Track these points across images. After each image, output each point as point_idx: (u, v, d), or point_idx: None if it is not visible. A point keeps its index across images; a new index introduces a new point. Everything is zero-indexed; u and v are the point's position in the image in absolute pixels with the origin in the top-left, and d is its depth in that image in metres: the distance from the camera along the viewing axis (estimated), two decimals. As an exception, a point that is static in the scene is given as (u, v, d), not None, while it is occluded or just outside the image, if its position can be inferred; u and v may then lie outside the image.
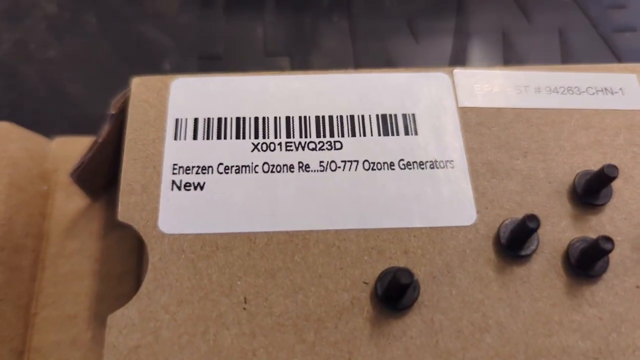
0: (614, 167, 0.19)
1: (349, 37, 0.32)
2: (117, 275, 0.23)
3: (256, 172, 0.20)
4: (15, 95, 0.30)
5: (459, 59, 0.32)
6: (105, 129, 0.21)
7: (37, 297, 0.22)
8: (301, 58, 0.31)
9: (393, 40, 0.33)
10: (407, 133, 0.20)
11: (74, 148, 0.25)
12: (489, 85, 0.22)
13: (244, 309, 0.18)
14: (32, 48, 0.32)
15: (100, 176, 0.23)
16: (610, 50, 0.33)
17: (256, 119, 0.20)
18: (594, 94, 0.22)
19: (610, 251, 0.18)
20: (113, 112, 0.21)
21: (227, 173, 0.20)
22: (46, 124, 0.28)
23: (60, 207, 0.24)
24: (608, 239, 0.18)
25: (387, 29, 0.33)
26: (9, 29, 0.32)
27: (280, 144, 0.20)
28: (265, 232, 0.19)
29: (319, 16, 0.33)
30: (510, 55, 0.32)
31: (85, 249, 0.23)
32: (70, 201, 0.24)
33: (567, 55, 0.33)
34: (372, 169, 0.20)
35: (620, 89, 0.22)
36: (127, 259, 0.23)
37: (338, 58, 0.31)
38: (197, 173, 0.20)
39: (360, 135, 0.20)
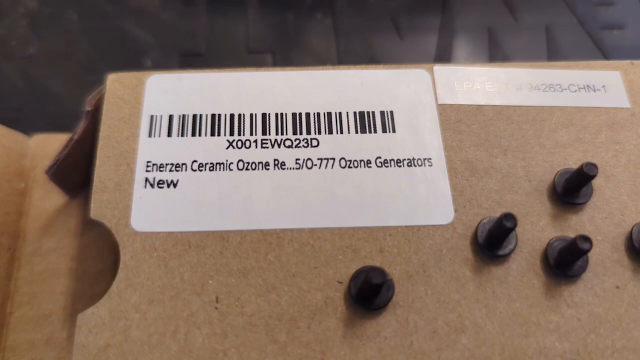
0: (593, 166, 0.18)
1: (332, 34, 0.32)
2: (93, 274, 0.23)
3: (231, 170, 0.19)
4: None
5: (443, 57, 0.32)
6: (81, 125, 0.21)
7: (12, 296, 0.22)
8: (284, 55, 0.31)
9: (377, 37, 0.33)
10: (384, 130, 0.20)
11: (52, 145, 0.25)
12: (469, 82, 0.21)
13: (216, 308, 0.18)
14: (13, 45, 0.32)
15: (77, 173, 0.23)
16: (597, 47, 0.33)
17: (232, 115, 0.20)
18: (576, 91, 0.22)
19: (588, 251, 0.17)
20: (88, 108, 0.21)
21: (201, 170, 0.19)
22: (27, 121, 0.27)
23: (37, 205, 0.24)
24: (586, 239, 0.17)
25: (371, 26, 0.33)
26: (-11, 25, 0.32)
27: (255, 141, 0.20)
28: (239, 231, 0.19)
29: (302, 13, 0.33)
30: (496, 53, 0.32)
31: (61, 247, 0.23)
32: (48, 199, 0.24)
33: (554, 52, 0.32)
34: (349, 167, 0.20)
35: (603, 86, 0.22)
36: (104, 257, 0.23)
37: (321, 55, 0.31)
38: (170, 170, 0.19)
39: (337, 133, 0.20)
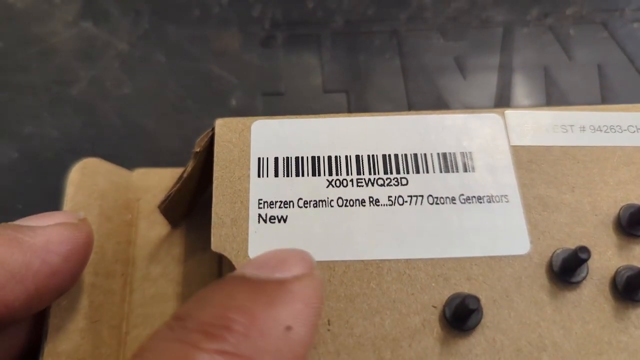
0: (656, 203, 0.21)
1: (400, 73, 0.35)
2: (199, 297, 0.25)
3: (332, 206, 0.22)
4: (95, 130, 0.33)
5: (504, 95, 0.35)
6: (190, 164, 0.24)
7: (127, 317, 0.25)
8: (357, 94, 0.33)
9: (442, 76, 0.35)
10: (465, 170, 0.23)
11: (152, 179, 0.28)
12: (537, 124, 0.24)
13: (328, 330, 0.20)
14: (108, 85, 0.35)
15: (182, 207, 0.26)
16: None
17: (329, 157, 0.23)
18: (634, 132, 0.24)
19: (654, 280, 0.20)
20: (197, 149, 0.24)
21: (306, 207, 0.22)
22: (124, 157, 0.30)
23: (144, 235, 0.27)
24: (652, 269, 0.20)
25: (436, 66, 0.35)
26: (85, 67, 0.35)
27: (352, 180, 0.22)
28: (343, 261, 0.21)
29: (372, 54, 0.36)
30: (552, 90, 0.35)
31: (168, 272, 0.26)
32: (153, 228, 0.27)
33: (606, 89, 0.35)
34: (436, 203, 0.22)
35: (659, 127, 0.24)
36: (207, 281, 0.25)
37: (391, 94, 0.33)
38: (280, 207, 0.22)
39: (423, 172, 0.23)
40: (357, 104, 0.33)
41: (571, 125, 0.24)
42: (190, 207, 0.26)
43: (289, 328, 0.17)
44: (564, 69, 0.36)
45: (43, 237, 0.20)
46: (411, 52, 0.36)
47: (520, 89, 0.35)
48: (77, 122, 0.34)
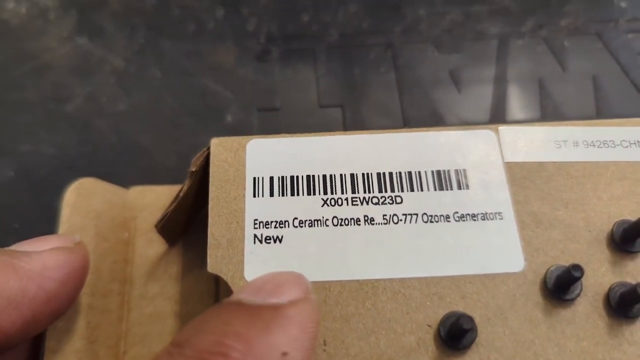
0: (650, 219, 0.21)
1: (395, 87, 0.35)
2: (196, 316, 0.25)
3: (327, 226, 0.22)
4: (91, 147, 0.33)
5: (499, 107, 0.35)
6: (186, 184, 0.24)
7: (125, 336, 0.25)
8: (352, 109, 0.34)
9: (437, 90, 0.35)
10: (459, 187, 0.23)
11: (149, 197, 0.28)
12: (530, 140, 0.24)
13: (324, 350, 0.20)
14: (103, 101, 0.35)
15: (179, 225, 0.26)
16: None
17: (324, 176, 0.23)
18: (627, 147, 0.24)
19: (648, 297, 0.20)
20: (193, 169, 0.24)
21: (301, 227, 0.22)
22: (121, 174, 0.30)
23: (141, 253, 0.27)
24: (646, 286, 0.20)
25: (431, 79, 0.36)
26: (81, 83, 0.35)
27: (347, 199, 0.23)
28: (339, 281, 0.21)
29: (367, 68, 0.36)
30: (546, 102, 0.35)
31: (165, 291, 0.26)
32: (149, 247, 0.27)
33: (601, 100, 0.35)
34: (431, 222, 0.22)
35: (652, 141, 0.24)
36: (204, 299, 0.26)
37: (387, 108, 0.33)
38: (275, 227, 0.22)
39: (418, 190, 0.23)
40: (353, 119, 0.33)
41: (564, 141, 0.24)
42: (187, 225, 0.26)
43: (285, 354, 0.17)
44: (558, 81, 0.36)
45: (39, 262, 0.20)
46: (406, 65, 0.36)
47: (515, 101, 0.35)
48: (73, 139, 0.34)
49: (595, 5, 0.39)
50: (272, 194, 0.23)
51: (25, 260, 0.20)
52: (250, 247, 0.22)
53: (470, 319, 0.19)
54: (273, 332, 0.17)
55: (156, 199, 0.28)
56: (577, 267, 0.20)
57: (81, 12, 0.38)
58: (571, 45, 0.38)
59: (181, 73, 0.36)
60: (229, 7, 0.38)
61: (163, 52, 0.37)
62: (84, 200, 0.25)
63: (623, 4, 0.39)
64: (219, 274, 0.21)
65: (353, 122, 0.34)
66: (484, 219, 0.22)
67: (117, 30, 0.37)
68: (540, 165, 0.24)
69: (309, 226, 0.22)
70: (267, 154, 0.24)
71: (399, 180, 0.23)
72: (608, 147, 0.24)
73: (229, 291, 0.21)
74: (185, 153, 0.32)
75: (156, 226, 0.25)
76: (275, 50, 0.37)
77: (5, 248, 0.21)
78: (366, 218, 0.22)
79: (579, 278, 0.20)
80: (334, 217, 0.22)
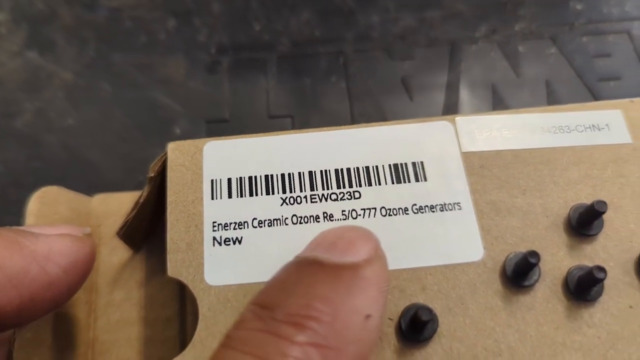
0: (603, 203, 0.21)
1: (346, 97, 0.35)
2: (162, 321, 0.25)
3: (286, 224, 0.22)
4: (39, 163, 0.33)
5: (451, 113, 0.35)
6: (146, 189, 0.24)
7: (93, 344, 0.25)
8: (302, 119, 0.34)
9: (388, 98, 0.35)
10: (417, 180, 0.23)
11: (112, 204, 0.28)
12: (488, 130, 0.24)
13: None
14: (52, 116, 0.35)
15: (141, 231, 0.26)
16: (595, 99, 0.36)
17: (282, 175, 0.23)
18: (583, 131, 0.24)
19: (603, 279, 0.20)
20: (152, 174, 0.24)
21: (261, 227, 0.22)
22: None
23: (106, 261, 0.27)
24: (601, 269, 0.20)
25: (383, 88, 0.36)
26: (30, 98, 0.35)
27: (305, 197, 0.23)
28: None
29: (318, 77, 0.36)
30: (500, 107, 0.35)
31: (131, 297, 0.26)
32: (114, 254, 0.27)
33: (554, 104, 0.35)
34: (389, 215, 0.22)
35: (607, 124, 0.24)
36: (170, 304, 0.26)
37: (337, 117, 0.33)
38: (234, 229, 0.22)
39: (375, 185, 0.23)
40: (302, 129, 0.33)
41: (521, 128, 0.24)
42: (150, 231, 0.26)
43: (368, 317, 0.17)
44: (511, 86, 0.36)
45: (45, 244, 0.20)
46: (357, 74, 0.36)
47: (467, 107, 0.35)
48: (21, 155, 0.33)
49: (550, 9, 0.39)
50: (230, 196, 0.23)
51: (32, 240, 0.19)
52: (209, 250, 0.22)
53: (428, 310, 0.19)
54: (355, 294, 0.17)
55: (119, 206, 0.27)
56: (533, 254, 0.20)
57: (32, 26, 0.38)
58: (525, 50, 0.37)
59: (131, 86, 0.36)
60: (181, 18, 0.38)
61: (113, 65, 0.36)
62: (47, 208, 0.25)
63: (578, 7, 0.39)
64: (179, 278, 0.21)
65: (303, 133, 0.34)
66: (442, 210, 0.22)
67: (67, 43, 0.37)
68: (498, 153, 0.24)
69: (269, 226, 0.22)
70: (225, 156, 0.24)
71: (356, 175, 0.23)
72: (564, 132, 0.24)
73: (193, 295, 0.21)
74: (134, 168, 0.32)
75: (118, 233, 0.25)
76: (226, 61, 0.37)
77: (14, 227, 0.20)
78: (325, 215, 0.22)
79: (535, 264, 0.20)
80: (293, 215, 0.22)
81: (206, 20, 0.38)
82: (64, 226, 0.22)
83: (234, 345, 0.17)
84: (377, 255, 0.19)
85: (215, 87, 0.36)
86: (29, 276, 0.19)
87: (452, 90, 0.35)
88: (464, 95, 0.35)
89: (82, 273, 0.21)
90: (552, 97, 0.35)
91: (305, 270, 0.18)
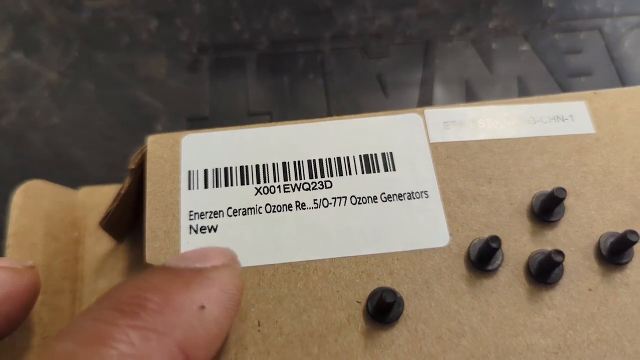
0: (562, 190, 0.22)
1: (323, 93, 0.36)
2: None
3: (260, 213, 0.23)
4: (24, 161, 0.34)
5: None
6: (127, 181, 0.25)
7: (77, 331, 0.26)
8: (280, 116, 0.34)
9: (364, 94, 0.36)
10: (386, 169, 0.24)
11: (97, 197, 0.29)
12: (455, 121, 0.25)
13: (259, 331, 0.21)
14: (37, 115, 0.36)
15: (124, 222, 0.27)
16: None
17: (257, 166, 0.24)
18: (547, 122, 0.25)
19: (561, 262, 0.21)
20: (132, 166, 0.25)
21: (235, 216, 0.23)
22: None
23: (90, 251, 0.28)
24: (559, 252, 0.21)
25: (358, 85, 0.36)
26: (15, 98, 0.36)
27: (279, 186, 0.24)
28: (272, 265, 0.22)
29: (296, 75, 0.37)
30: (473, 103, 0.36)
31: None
32: (99, 245, 0.28)
33: (523, 99, 0.36)
34: (359, 203, 0.23)
35: (571, 115, 0.25)
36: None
37: (314, 114, 0.33)
38: (210, 217, 0.23)
39: (346, 175, 0.24)
40: (279, 122, 0.34)
41: (487, 120, 0.25)
42: (132, 221, 0.27)
43: (202, 307, 0.18)
44: (484, 83, 0.37)
45: None
46: (334, 71, 0.37)
47: (441, 103, 0.36)
48: (6, 153, 0.34)
49: (523, 7, 0.40)
50: (206, 186, 0.24)
51: None
52: (186, 238, 0.23)
53: (393, 293, 0.20)
54: (192, 288, 0.18)
55: (104, 198, 0.28)
56: (495, 238, 0.21)
57: (18, 27, 0.39)
58: (498, 47, 0.38)
59: (114, 85, 0.37)
60: (163, 18, 0.39)
61: (97, 64, 0.37)
62: (32, 201, 0.26)
63: (551, 4, 0.40)
64: (157, 265, 0.22)
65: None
66: (410, 198, 0.23)
67: (52, 44, 0.38)
68: (465, 144, 0.25)
69: (243, 214, 0.23)
70: (201, 148, 0.24)
71: (328, 166, 0.24)
72: (529, 123, 0.25)
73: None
74: (117, 164, 0.33)
75: (100, 223, 0.26)
76: (207, 60, 0.38)
77: None
78: (297, 203, 0.23)
79: (497, 248, 0.21)
80: (267, 204, 0.23)
81: (187, 20, 0.39)
82: (4, 259, 0.22)
83: (59, 337, 0.17)
84: (229, 265, 0.20)
85: (196, 85, 0.37)
86: None
87: (426, 86, 0.36)
88: (438, 91, 0.36)
89: (20, 304, 0.21)
90: (524, 93, 0.36)
91: (147, 271, 0.19)
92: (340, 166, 0.24)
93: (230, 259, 0.20)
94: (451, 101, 0.36)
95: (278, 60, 0.37)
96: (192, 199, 0.23)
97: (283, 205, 0.23)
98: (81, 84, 0.36)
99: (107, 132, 0.35)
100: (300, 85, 0.36)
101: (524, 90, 0.36)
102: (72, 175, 0.28)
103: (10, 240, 0.25)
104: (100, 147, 0.34)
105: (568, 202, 0.23)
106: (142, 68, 0.37)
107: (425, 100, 0.35)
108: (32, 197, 0.26)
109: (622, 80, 0.37)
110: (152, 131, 0.33)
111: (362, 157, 0.24)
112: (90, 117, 0.35)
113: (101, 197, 0.29)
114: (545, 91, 0.36)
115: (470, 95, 0.36)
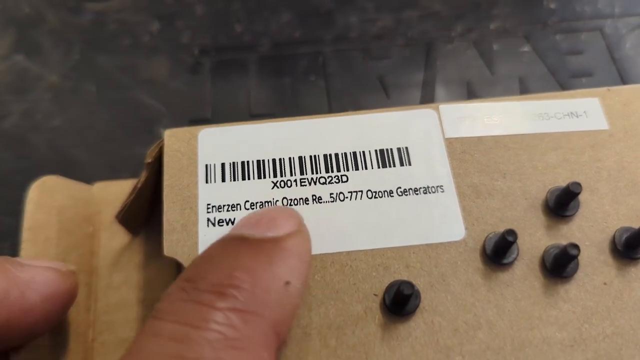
0: (577, 184, 0.22)
1: (325, 95, 0.36)
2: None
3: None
4: (26, 163, 0.34)
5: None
6: (143, 175, 0.25)
7: (93, 325, 0.26)
8: (282, 116, 0.34)
9: (365, 96, 0.36)
10: (402, 164, 0.24)
11: (112, 191, 0.29)
12: (470, 116, 0.25)
13: None
14: (39, 118, 0.36)
15: (140, 216, 0.27)
16: None
17: (274, 160, 0.24)
18: (561, 118, 0.25)
19: (576, 256, 0.21)
20: (149, 160, 0.25)
21: (252, 209, 0.23)
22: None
23: (106, 245, 0.28)
24: (575, 246, 0.21)
25: (360, 86, 0.36)
26: (17, 101, 0.36)
27: (295, 180, 0.24)
28: None
29: (297, 77, 0.37)
30: (475, 104, 0.36)
31: (130, 280, 0.27)
32: (114, 239, 0.28)
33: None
34: (375, 197, 0.23)
35: (585, 112, 0.26)
36: (168, 285, 0.26)
37: (315, 115, 0.34)
38: (227, 210, 0.23)
39: (362, 169, 0.24)
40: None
41: (502, 116, 0.25)
42: (148, 215, 0.27)
43: (287, 283, 0.19)
44: (486, 84, 0.37)
45: (29, 273, 0.21)
46: (336, 73, 0.37)
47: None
48: (8, 155, 0.34)
49: (524, 8, 0.40)
50: (224, 180, 0.24)
51: (17, 267, 0.21)
52: (204, 230, 0.23)
53: (410, 285, 0.20)
54: (276, 264, 0.19)
55: (119, 192, 0.28)
56: (511, 232, 0.21)
57: (19, 30, 0.39)
58: (499, 48, 0.38)
59: (116, 87, 0.36)
60: (165, 21, 0.39)
61: (98, 67, 0.37)
62: (46, 197, 0.26)
63: (552, 5, 0.40)
64: (175, 257, 0.22)
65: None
66: (425, 193, 0.24)
67: (54, 46, 0.38)
68: (479, 139, 0.25)
69: (260, 208, 0.23)
70: (218, 142, 0.25)
71: (344, 160, 0.24)
72: (543, 119, 0.25)
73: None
74: (118, 166, 0.33)
75: (117, 217, 0.26)
76: (208, 62, 0.38)
77: (6, 256, 0.21)
78: (314, 197, 0.23)
79: (513, 242, 0.21)
80: (284, 197, 0.23)
81: (189, 22, 0.39)
82: (50, 261, 0.23)
83: (160, 316, 0.18)
84: (299, 230, 0.21)
85: (197, 87, 0.37)
86: (8, 298, 0.20)
87: (428, 88, 0.36)
88: (440, 92, 0.36)
89: (60, 305, 0.22)
90: (525, 94, 0.36)
91: (229, 245, 0.20)
92: (356, 161, 0.24)
93: (298, 222, 0.21)
94: (452, 101, 0.36)
95: (279, 62, 0.37)
96: (210, 193, 0.23)
97: (300, 199, 0.23)
98: (83, 86, 0.36)
99: (109, 134, 0.35)
100: (301, 86, 0.36)
101: (525, 91, 0.36)
102: (74, 177, 0.28)
103: (25, 235, 0.25)
104: (102, 149, 0.34)
105: (582, 197, 0.23)
106: (144, 70, 0.37)
107: (427, 102, 0.35)
108: (47, 192, 0.26)
109: (623, 81, 0.37)
110: (154, 133, 0.34)
111: (378, 152, 0.24)
112: (91, 119, 0.35)
113: (115, 192, 0.29)
114: (547, 92, 0.36)
115: (471, 96, 0.36)
